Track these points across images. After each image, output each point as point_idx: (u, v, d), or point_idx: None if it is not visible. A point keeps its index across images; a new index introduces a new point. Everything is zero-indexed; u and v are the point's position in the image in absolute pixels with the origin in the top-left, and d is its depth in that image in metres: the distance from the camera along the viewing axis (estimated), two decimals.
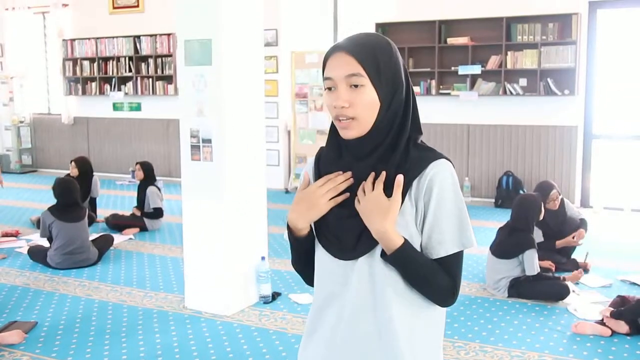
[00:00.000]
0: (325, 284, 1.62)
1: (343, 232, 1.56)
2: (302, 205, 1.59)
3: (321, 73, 1.59)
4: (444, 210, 1.52)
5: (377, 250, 1.53)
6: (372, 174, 1.53)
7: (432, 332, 1.61)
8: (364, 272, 1.55)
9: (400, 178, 1.50)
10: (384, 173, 1.52)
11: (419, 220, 1.54)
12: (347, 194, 1.56)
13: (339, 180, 1.56)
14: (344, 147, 1.57)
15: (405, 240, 1.51)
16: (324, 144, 1.66)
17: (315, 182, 1.58)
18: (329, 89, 1.54)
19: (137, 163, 7.45)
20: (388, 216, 1.49)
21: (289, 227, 1.64)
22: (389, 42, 1.56)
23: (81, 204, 6.13)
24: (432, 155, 1.55)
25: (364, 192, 1.52)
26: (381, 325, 1.54)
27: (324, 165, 1.63)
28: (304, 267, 1.70)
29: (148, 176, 7.28)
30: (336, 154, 1.60)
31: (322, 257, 1.62)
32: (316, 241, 1.64)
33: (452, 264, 1.54)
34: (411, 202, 1.53)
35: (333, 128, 1.59)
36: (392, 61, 1.53)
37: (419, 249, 1.55)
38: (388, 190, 1.51)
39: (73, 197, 5.91)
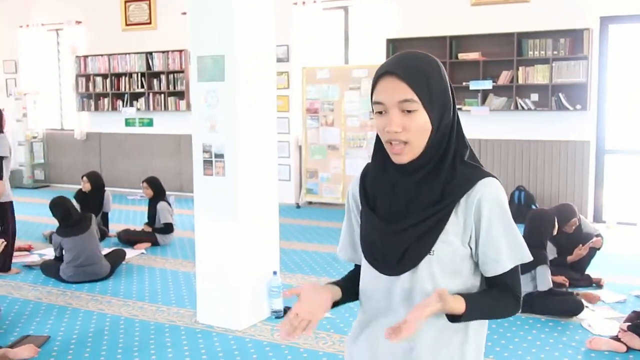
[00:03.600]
0: (370, 298, 1.67)
1: (388, 248, 1.58)
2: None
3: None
4: (497, 229, 1.55)
5: (420, 267, 1.56)
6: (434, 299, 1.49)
7: (470, 348, 1.62)
8: (406, 288, 1.58)
9: (436, 294, 1.48)
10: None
11: (468, 236, 1.56)
12: None
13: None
14: (390, 161, 1.58)
15: (466, 302, 1.51)
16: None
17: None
18: (380, 112, 1.54)
19: (143, 181, 7.41)
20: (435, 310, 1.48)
21: None
22: (438, 63, 1.58)
23: (78, 216, 6.00)
24: (479, 173, 1.57)
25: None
26: (414, 342, 1.58)
27: (369, 181, 1.65)
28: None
29: (157, 192, 7.29)
30: (381, 167, 1.61)
31: (366, 271, 1.67)
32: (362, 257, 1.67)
33: (510, 279, 1.59)
34: (457, 218, 1.55)
35: (379, 141, 1.60)
36: (442, 83, 1.55)
37: (463, 261, 1.57)
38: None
39: (70, 213, 5.91)
